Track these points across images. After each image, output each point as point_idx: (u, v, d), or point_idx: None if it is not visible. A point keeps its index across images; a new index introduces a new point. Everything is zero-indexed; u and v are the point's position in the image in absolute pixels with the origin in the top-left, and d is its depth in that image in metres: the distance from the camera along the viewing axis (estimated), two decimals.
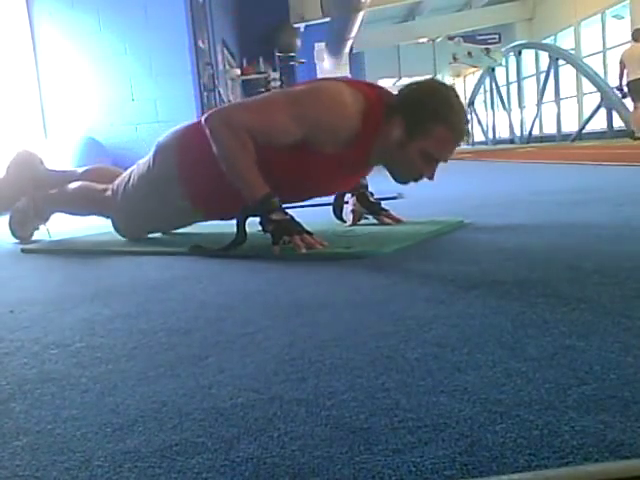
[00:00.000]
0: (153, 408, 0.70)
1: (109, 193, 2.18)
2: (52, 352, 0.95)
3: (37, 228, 2.44)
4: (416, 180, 1.88)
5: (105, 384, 0.79)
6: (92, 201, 2.25)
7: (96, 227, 2.47)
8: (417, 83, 1.85)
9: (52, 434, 0.65)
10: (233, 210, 1.79)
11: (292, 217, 1.70)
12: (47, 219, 2.43)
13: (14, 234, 2.44)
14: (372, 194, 2.13)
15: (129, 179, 2.12)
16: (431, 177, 1.85)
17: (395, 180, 1.90)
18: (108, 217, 2.22)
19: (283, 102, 1.79)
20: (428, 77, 1.87)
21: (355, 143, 1.76)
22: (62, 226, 2.63)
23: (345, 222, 2.15)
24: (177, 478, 0.55)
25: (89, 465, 0.58)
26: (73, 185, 2.31)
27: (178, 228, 2.18)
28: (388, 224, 2.08)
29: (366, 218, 2.14)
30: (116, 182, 2.18)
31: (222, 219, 2.10)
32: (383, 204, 2.17)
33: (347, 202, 2.16)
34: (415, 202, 2.99)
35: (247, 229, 1.74)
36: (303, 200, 2.02)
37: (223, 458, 0.57)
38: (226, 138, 1.73)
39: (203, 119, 1.80)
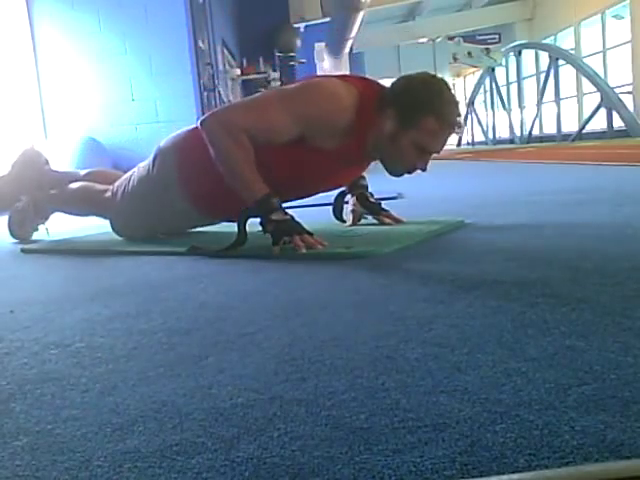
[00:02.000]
0: (153, 408, 0.70)
1: (109, 194, 2.19)
2: (52, 352, 0.95)
3: (36, 229, 2.45)
4: (409, 172, 1.89)
5: (105, 384, 0.79)
6: (92, 202, 2.25)
7: (96, 227, 2.47)
8: (409, 76, 1.86)
9: (52, 434, 0.65)
10: (232, 211, 1.80)
11: (292, 217, 1.70)
12: (47, 218, 2.44)
13: (12, 234, 2.44)
14: (372, 194, 2.14)
15: (129, 181, 2.12)
16: (424, 169, 1.87)
17: (389, 172, 1.92)
18: (107, 218, 2.23)
19: (278, 100, 1.80)
20: (421, 71, 1.88)
21: (350, 136, 1.78)
22: (62, 226, 2.63)
23: (345, 222, 2.15)
24: (177, 478, 0.55)
25: (89, 465, 0.58)
26: (74, 185, 2.31)
27: (177, 231, 2.19)
28: (388, 224, 2.08)
29: (366, 218, 2.14)
30: (116, 184, 2.18)
31: (222, 221, 2.10)
32: (383, 204, 2.17)
33: (347, 202, 2.16)
34: (415, 202, 2.99)
35: (247, 230, 1.74)
36: (302, 197, 2.03)
37: (223, 458, 0.57)
38: (223, 140, 1.73)
39: (199, 122, 1.80)
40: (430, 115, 1.75)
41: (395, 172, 1.90)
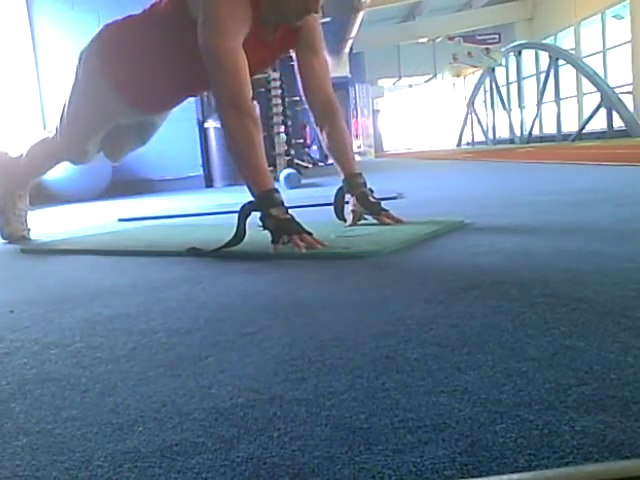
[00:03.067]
0: (153, 408, 0.70)
1: (53, 133, 2.31)
2: (52, 352, 0.95)
3: (25, 223, 2.48)
4: (302, 14, 1.89)
5: (105, 384, 0.79)
6: (46, 149, 2.38)
7: (96, 227, 2.47)
8: None
9: (52, 434, 0.65)
10: (167, 98, 1.95)
11: (292, 217, 1.71)
12: (28, 204, 2.54)
13: (5, 237, 2.47)
14: (372, 190, 2.13)
15: (63, 108, 2.24)
16: (316, 10, 1.89)
17: (287, 22, 1.92)
18: (66, 159, 2.37)
19: (224, 40, 1.79)
20: None
21: (252, 6, 1.81)
22: (62, 226, 2.63)
23: (345, 222, 2.15)
24: (177, 478, 0.55)
25: (89, 465, 0.58)
26: (27, 149, 2.44)
27: (120, 136, 2.31)
28: (388, 224, 2.08)
29: (366, 218, 2.14)
30: (55, 124, 2.31)
31: (157, 110, 2.22)
32: (383, 204, 2.17)
33: (347, 202, 2.16)
34: (415, 202, 2.99)
35: (247, 228, 1.74)
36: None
37: (223, 458, 0.57)
38: (240, 130, 1.77)
39: (218, 117, 1.87)
40: None
41: (291, 17, 1.90)
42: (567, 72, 15.87)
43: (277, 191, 1.71)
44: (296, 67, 2.08)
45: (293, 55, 2.08)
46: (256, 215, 1.73)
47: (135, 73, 2.05)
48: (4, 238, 2.47)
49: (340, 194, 2.17)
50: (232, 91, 1.78)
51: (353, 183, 2.10)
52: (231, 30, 1.78)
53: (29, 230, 2.52)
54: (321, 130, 2.11)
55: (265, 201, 1.69)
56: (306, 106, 2.14)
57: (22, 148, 2.47)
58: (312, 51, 2.06)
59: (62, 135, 2.27)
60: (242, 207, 1.75)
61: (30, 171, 2.49)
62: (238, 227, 1.73)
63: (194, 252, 1.78)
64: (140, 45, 2.00)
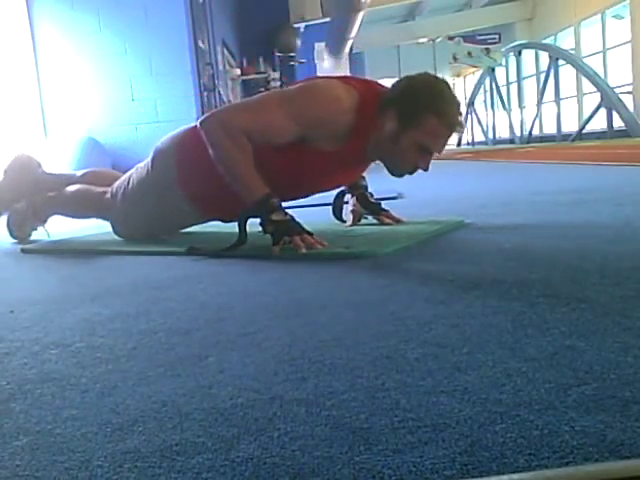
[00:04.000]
0: (153, 408, 0.70)
1: (108, 196, 2.19)
2: (52, 352, 0.95)
3: (35, 229, 2.46)
4: (411, 172, 1.89)
5: (105, 384, 0.79)
6: (91, 203, 2.26)
7: (96, 227, 2.47)
8: (410, 76, 1.86)
9: (52, 434, 0.65)
10: (233, 211, 1.80)
11: (292, 217, 1.70)
12: (45, 221, 2.44)
13: (12, 234, 2.45)
14: (372, 194, 2.14)
15: (128, 183, 2.13)
16: (426, 169, 1.87)
17: (391, 173, 1.92)
18: (106, 219, 2.23)
19: (278, 101, 1.80)
20: (422, 72, 1.88)
21: (351, 138, 1.78)
22: (62, 226, 2.63)
23: (345, 222, 2.15)
24: (177, 478, 0.55)
25: (89, 465, 0.58)
26: (71, 188, 2.31)
27: (177, 230, 2.19)
28: (388, 224, 2.08)
29: (366, 218, 2.14)
30: (115, 185, 2.18)
31: (222, 220, 2.10)
32: (383, 204, 2.17)
33: (347, 202, 2.16)
34: (415, 202, 2.99)
35: (247, 230, 1.74)
36: (301, 197, 2.03)
37: (223, 458, 0.57)
38: (222, 141, 1.73)
39: (199, 122, 1.80)
40: (432, 115, 1.75)
41: (397, 173, 1.90)
42: (567, 72, 15.87)
43: (272, 195, 1.69)
44: None
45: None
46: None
47: (207, 185, 1.91)
48: (10, 234, 2.46)
49: (340, 194, 2.17)
50: (233, 113, 1.77)
51: (354, 184, 2.10)
52: (296, 113, 1.73)
53: (34, 230, 2.50)
54: None
55: (263, 208, 1.68)
56: None
57: (59, 170, 2.38)
58: None
59: (120, 210, 2.14)
60: (240, 214, 1.74)
61: (63, 206, 2.35)
62: (240, 230, 1.73)
63: (194, 252, 1.77)
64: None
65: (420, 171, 1.88)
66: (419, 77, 1.84)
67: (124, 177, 2.19)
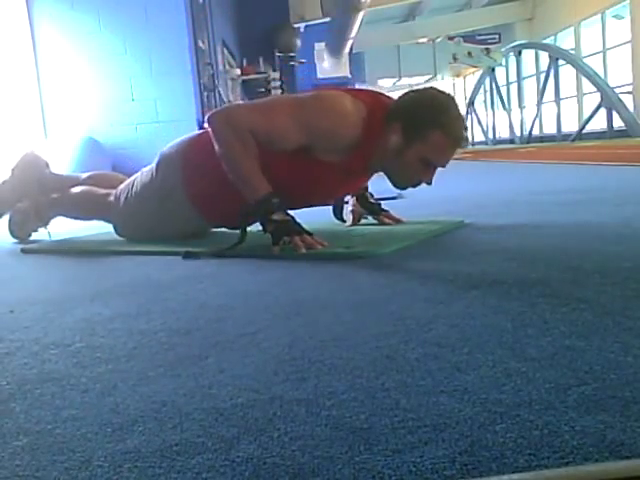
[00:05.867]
0: (153, 408, 0.70)
1: (112, 198, 2.19)
2: (52, 352, 0.95)
3: (36, 230, 2.45)
4: (414, 186, 1.89)
5: (105, 384, 0.79)
6: (94, 205, 2.26)
7: (96, 227, 2.47)
8: (416, 90, 1.87)
9: (52, 434, 0.65)
10: (236, 218, 1.80)
11: (293, 218, 1.70)
12: (48, 222, 2.43)
13: (12, 234, 2.45)
14: (372, 195, 2.14)
15: (132, 186, 2.13)
16: (429, 182, 1.86)
17: (394, 186, 1.91)
18: (110, 222, 2.23)
19: (288, 106, 1.79)
20: (428, 86, 1.88)
21: (355, 151, 1.78)
22: (62, 226, 2.63)
23: (345, 222, 2.15)
24: (177, 478, 0.55)
25: (89, 465, 0.58)
26: (76, 189, 2.32)
27: (181, 235, 2.18)
28: (388, 224, 2.08)
29: (366, 218, 2.14)
30: (119, 188, 2.19)
31: (226, 226, 2.10)
32: (383, 204, 2.17)
33: (347, 202, 2.16)
34: (415, 202, 2.99)
35: (247, 230, 1.74)
36: (303, 207, 1.99)
37: (223, 458, 0.57)
38: (229, 137, 1.73)
39: (207, 117, 1.80)
40: (437, 129, 1.75)
41: (400, 185, 1.91)
42: (567, 72, 15.87)
43: (274, 195, 1.69)
44: None
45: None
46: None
47: (211, 191, 1.93)
48: (10, 234, 2.46)
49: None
50: (240, 112, 1.76)
51: None
52: (303, 121, 1.73)
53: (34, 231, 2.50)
54: None
55: (264, 208, 1.68)
56: None
57: (70, 175, 2.37)
58: None
59: (124, 213, 2.15)
60: (241, 214, 1.74)
61: (67, 208, 2.36)
62: (241, 233, 1.73)
63: (190, 255, 1.76)
64: (219, 166, 1.82)
65: (424, 185, 1.87)
66: (425, 91, 1.85)
67: (128, 181, 2.19)
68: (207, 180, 1.91)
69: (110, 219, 2.22)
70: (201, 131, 2.05)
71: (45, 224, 2.43)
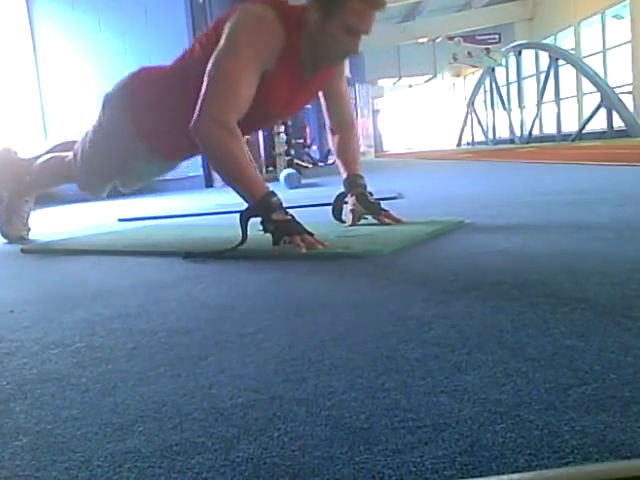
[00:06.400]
0: (153, 408, 0.70)
1: (70, 157, 2.28)
2: (52, 352, 0.95)
3: (27, 225, 2.48)
4: (343, 57, 1.95)
5: (105, 384, 0.79)
6: (58, 169, 2.35)
7: (96, 227, 2.47)
8: None
9: (52, 434, 0.65)
10: (185, 149, 1.95)
11: (293, 217, 1.70)
12: (32, 209, 2.53)
13: (5, 235, 2.47)
14: (371, 194, 2.13)
15: (85, 138, 2.21)
16: (356, 51, 1.89)
17: (328, 63, 1.95)
18: (81, 190, 2.35)
19: (234, 65, 1.79)
20: None
21: (288, 48, 1.81)
22: (62, 226, 2.63)
23: (344, 222, 2.15)
24: (177, 478, 0.55)
25: (89, 465, 0.58)
26: (40, 160, 2.41)
27: (138, 179, 2.28)
28: (388, 224, 2.08)
29: (366, 218, 2.14)
30: (75, 146, 2.27)
31: (176, 158, 2.22)
32: (383, 204, 2.17)
33: (347, 202, 2.16)
34: (415, 202, 2.99)
35: (247, 231, 1.74)
36: (270, 125, 2.08)
37: (223, 458, 0.57)
38: (222, 141, 1.73)
39: (193, 130, 1.76)
40: None
41: (331, 60, 1.94)
42: (567, 72, 15.87)
43: (273, 194, 1.70)
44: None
45: None
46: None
47: (160, 124, 2.01)
48: (3, 237, 2.48)
49: (340, 196, 2.17)
50: (216, 104, 1.75)
51: (353, 183, 2.10)
52: (245, 58, 1.77)
53: (29, 230, 2.52)
54: (333, 134, 2.20)
55: (264, 208, 1.68)
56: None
57: (34, 152, 2.46)
58: (339, 75, 2.15)
59: (82, 167, 2.23)
60: (241, 215, 1.74)
61: (38, 182, 2.48)
62: (242, 231, 1.73)
63: (190, 255, 1.76)
64: (165, 98, 1.98)
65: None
66: None
67: (82, 135, 2.27)
68: (157, 113, 2.00)
69: (73, 178, 2.31)
70: (143, 67, 2.14)
71: (30, 210, 2.51)
